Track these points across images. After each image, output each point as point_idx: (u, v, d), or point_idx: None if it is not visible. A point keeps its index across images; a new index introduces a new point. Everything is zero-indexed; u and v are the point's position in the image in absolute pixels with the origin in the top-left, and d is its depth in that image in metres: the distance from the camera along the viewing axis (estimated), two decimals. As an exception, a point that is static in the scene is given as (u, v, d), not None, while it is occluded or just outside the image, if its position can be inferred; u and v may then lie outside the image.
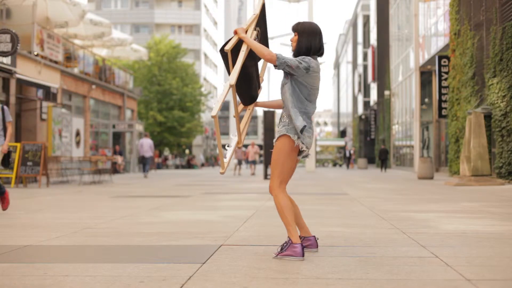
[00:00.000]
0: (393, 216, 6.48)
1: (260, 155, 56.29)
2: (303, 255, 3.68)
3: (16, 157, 14.10)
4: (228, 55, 3.92)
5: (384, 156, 31.55)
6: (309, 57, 3.88)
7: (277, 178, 3.82)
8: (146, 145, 22.10)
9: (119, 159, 26.77)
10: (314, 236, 4.04)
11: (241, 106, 4.30)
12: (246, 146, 34.43)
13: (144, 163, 22.45)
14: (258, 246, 4.33)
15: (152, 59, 43.88)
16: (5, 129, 7.32)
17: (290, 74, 3.84)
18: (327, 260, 3.67)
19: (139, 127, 29.94)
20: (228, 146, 3.97)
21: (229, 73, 3.93)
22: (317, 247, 4.02)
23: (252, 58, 4.11)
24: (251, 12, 4.26)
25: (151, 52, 43.45)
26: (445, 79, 21.68)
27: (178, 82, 44.19)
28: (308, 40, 3.91)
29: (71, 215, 6.92)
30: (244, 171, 30.21)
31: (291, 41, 4.01)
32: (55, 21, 20.83)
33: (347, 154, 41.85)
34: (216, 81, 74.90)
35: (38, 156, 14.22)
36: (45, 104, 18.78)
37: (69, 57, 21.92)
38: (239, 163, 25.78)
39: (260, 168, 38.56)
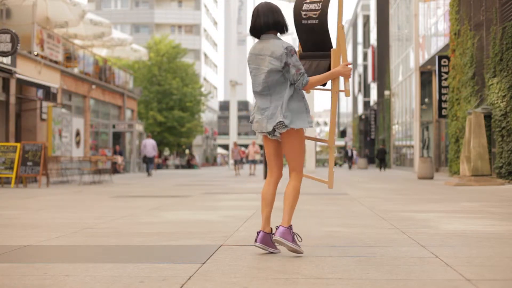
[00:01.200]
0: (393, 216, 6.48)
1: (261, 155, 56.20)
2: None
3: (16, 157, 14.10)
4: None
5: (382, 156, 32.10)
6: None
7: None
8: (149, 145, 23.38)
9: (119, 159, 26.78)
10: (260, 231, 3.92)
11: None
12: (246, 146, 34.40)
13: (147, 162, 23.55)
14: (258, 246, 4.33)
15: (152, 59, 43.87)
16: None
17: None
18: (327, 260, 3.67)
19: (139, 127, 29.96)
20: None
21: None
22: (256, 241, 3.89)
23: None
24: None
25: (151, 52, 43.44)
26: (445, 79, 21.68)
27: (178, 82, 44.19)
28: None
29: (71, 215, 6.92)
30: (242, 171, 30.19)
31: None
32: (55, 21, 20.83)
33: (349, 154, 41.68)
34: (216, 81, 74.93)
35: (38, 156, 14.22)
36: (45, 104, 18.78)
37: (69, 57, 21.92)
38: (236, 163, 25.71)
39: (260, 168, 38.54)
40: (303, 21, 4.06)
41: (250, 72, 3.93)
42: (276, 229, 3.79)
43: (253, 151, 25.58)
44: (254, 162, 25.56)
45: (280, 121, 3.75)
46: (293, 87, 3.81)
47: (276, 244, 3.84)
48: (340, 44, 3.92)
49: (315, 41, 4.08)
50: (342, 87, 4.02)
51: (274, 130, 3.80)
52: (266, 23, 3.83)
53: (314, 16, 4.00)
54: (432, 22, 25.01)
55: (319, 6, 3.99)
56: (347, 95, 4.00)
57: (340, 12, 3.93)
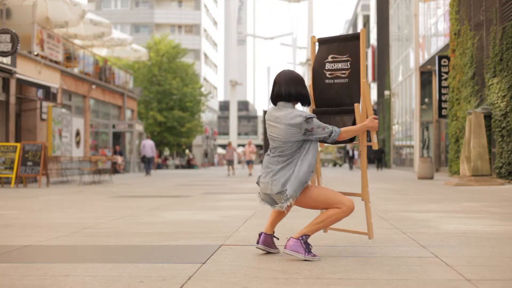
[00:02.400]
0: (393, 216, 6.48)
1: (260, 155, 56.16)
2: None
3: (16, 157, 14.11)
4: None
5: (379, 156, 32.69)
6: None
7: None
8: (148, 146, 24.09)
9: (119, 159, 26.79)
10: (262, 233, 3.94)
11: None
12: (243, 145, 34.36)
13: (146, 162, 24.10)
14: (258, 246, 4.33)
15: (152, 59, 43.88)
16: None
17: None
18: (327, 260, 3.67)
19: (139, 127, 29.97)
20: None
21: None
22: (257, 242, 3.93)
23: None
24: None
25: (151, 52, 43.45)
26: (445, 79, 21.68)
27: (178, 82, 44.20)
28: None
29: (71, 215, 6.92)
30: (240, 171, 30.17)
31: None
32: (55, 21, 20.83)
33: (350, 154, 41.50)
34: (216, 81, 74.92)
35: (38, 156, 14.22)
36: (45, 104, 18.78)
37: (69, 57, 21.93)
38: (229, 163, 25.65)
39: (258, 168, 38.52)
40: (327, 81, 4.11)
41: (269, 137, 3.85)
42: (287, 240, 3.71)
43: (249, 151, 25.47)
44: (251, 162, 25.44)
45: (282, 191, 3.67)
46: (306, 151, 3.73)
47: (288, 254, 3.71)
48: (365, 98, 3.95)
49: (335, 98, 4.10)
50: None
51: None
52: (287, 94, 3.74)
53: (343, 75, 4.06)
54: (432, 22, 25.01)
55: (347, 65, 4.04)
56: (374, 147, 4.03)
57: (363, 68, 3.97)
